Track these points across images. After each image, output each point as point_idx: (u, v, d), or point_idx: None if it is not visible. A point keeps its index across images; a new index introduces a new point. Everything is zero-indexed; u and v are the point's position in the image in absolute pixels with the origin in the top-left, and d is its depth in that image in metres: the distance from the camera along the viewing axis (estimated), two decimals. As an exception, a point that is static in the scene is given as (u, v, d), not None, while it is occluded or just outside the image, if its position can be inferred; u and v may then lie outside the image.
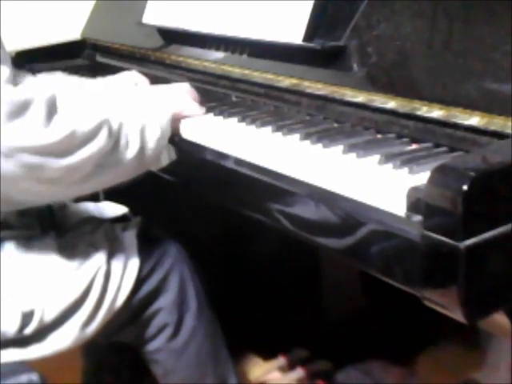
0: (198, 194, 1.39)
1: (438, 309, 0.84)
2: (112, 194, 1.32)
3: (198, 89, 1.36)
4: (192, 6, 1.55)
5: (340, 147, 1.08)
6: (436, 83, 1.08)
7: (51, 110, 1.04)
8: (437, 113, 1.06)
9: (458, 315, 0.82)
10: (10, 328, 1.14)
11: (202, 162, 1.22)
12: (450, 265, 0.80)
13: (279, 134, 1.18)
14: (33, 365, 1.17)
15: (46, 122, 1.03)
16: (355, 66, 1.20)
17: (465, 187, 0.78)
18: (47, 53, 1.83)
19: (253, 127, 1.23)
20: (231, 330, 1.39)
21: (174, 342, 1.32)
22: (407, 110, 1.10)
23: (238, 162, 1.13)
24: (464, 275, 0.80)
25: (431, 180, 0.82)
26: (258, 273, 1.84)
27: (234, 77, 1.43)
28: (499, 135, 0.97)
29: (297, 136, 1.16)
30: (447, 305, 0.83)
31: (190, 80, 1.54)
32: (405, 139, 1.10)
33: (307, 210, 1.02)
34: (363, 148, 1.06)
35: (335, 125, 1.22)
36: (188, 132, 1.26)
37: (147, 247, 1.29)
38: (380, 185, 0.94)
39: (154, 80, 1.47)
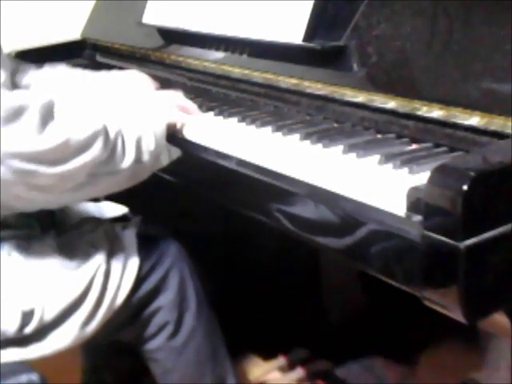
0: (198, 194, 1.39)
1: (438, 309, 0.84)
2: (112, 194, 1.32)
3: (197, 89, 1.36)
4: (192, 6, 1.55)
5: (340, 147, 1.08)
6: (436, 83, 1.08)
7: (46, 116, 1.04)
8: (437, 113, 1.06)
9: (458, 315, 0.82)
10: (10, 327, 1.14)
11: (202, 162, 1.22)
12: (450, 265, 0.80)
13: (279, 133, 1.18)
14: (33, 365, 1.17)
15: (40, 128, 1.02)
16: (355, 66, 1.20)
17: (465, 187, 0.78)
18: (47, 53, 1.83)
19: (253, 127, 1.23)
20: (231, 330, 1.39)
21: (174, 341, 1.32)
22: (407, 110, 1.10)
23: (238, 162, 1.13)
24: (464, 275, 0.80)
25: (431, 180, 0.82)
26: (257, 272, 1.84)
27: (234, 77, 1.43)
28: (499, 135, 0.97)
29: (297, 136, 1.16)
30: (447, 305, 0.83)
31: (190, 80, 1.54)
32: (405, 139, 1.11)
33: (307, 210, 1.02)
34: (363, 148, 1.06)
35: (335, 125, 1.22)
36: (188, 132, 1.26)
37: (147, 246, 1.29)
38: (380, 185, 0.94)
39: (154, 80, 1.47)
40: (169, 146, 1.22)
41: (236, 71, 1.43)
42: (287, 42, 1.30)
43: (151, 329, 1.31)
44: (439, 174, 0.82)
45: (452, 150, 1.04)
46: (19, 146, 1.01)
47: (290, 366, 1.71)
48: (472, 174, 0.79)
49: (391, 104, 1.13)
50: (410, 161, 1.00)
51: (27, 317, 1.15)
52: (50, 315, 1.17)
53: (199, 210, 1.77)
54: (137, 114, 1.20)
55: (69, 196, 1.12)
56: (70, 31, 1.96)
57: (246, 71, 1.40)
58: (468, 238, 0.79)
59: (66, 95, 1.38)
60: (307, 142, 1.13)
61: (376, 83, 1.17)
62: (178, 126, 1.25)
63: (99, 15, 1.94)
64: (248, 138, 1.19)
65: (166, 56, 1.64)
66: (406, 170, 0.98)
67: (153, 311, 1.30)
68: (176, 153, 1.23)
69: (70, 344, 1.20)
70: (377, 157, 1.03)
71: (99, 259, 1.22)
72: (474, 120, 1.01)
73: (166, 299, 1.30)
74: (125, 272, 1.24)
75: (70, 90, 1.40)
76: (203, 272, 1.36)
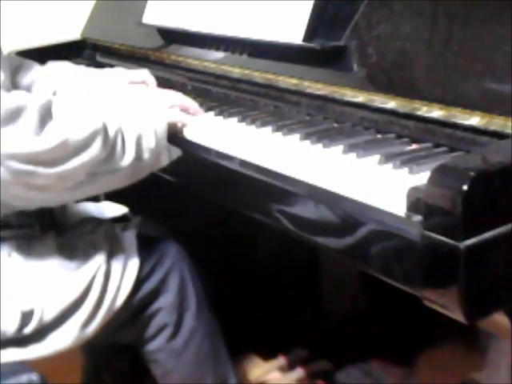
0: (197, 194, 1.39)
1: (438, 309, 0.84)
2: (112, 194, 1.31)
3: (197, 89, 1.36)
4: (192, 6, 1.55)
5: (340, 147, 1.08)
6: (436, 83, 1.08)
7: (45, 117, 1.03)
8: (437, 113, 1.06)
9: (458, 315, 0.82)
10: (10, 327, 1.14)
11: (202, 162, 1.22)
12: (450, 265, 0.80)
13: (279, 134, 1.18)
14: (33, 365, 1.17)
15: (39, 129, 1.02)
16: (355, 66, 1.20)
17: (465, 187, 0.78)
18: (47, 53, 1.83)
19: (253, 127, 1.23)
20: (231, 330, 1.39)
21: (174, 342, 1.32)
22: (407, 109, 1.10)
23: (239, 162, 1.13)
24: (464, 275, 0.80)
25: (431, 180, 0.82)
26: (257, 273, 1.84)
27: (234, 77, 1.43)
28: (499, 135, 0.97)
29: (297, 136, 1.16)
30: (447, 305, 0.82)
31: (190, 80, 1.54)
32: (405, 139, 1.10)
33: (307, 210, 1.02)
34: (363, 148, 1.06)
35: (335, 125, 1.22)
36: (188, 132, 1.26)
37: (147, 247, 1.29)
38: (380, 185, 0.94)
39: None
40: (169, 146, 1.21)
41: (236, 71, 1.43)
42: (287, 42, 1.30)
43: (151, 330, 1.31)
44: (439, 174, 0.82)
45: (452, 149, 1.04)
46: (17, 148, 1.00)
47: (290, 366, 1.71)
48: (472, 174, 0.79)
49: (391, 104, 1.13)
50: (410, 161, 1.00)
51: (27, 317, 1.15)
52: (49, 316, 1.17)
53: (199, 210, 1.77)
54: (138, 112, 1.20)
55: (68, 194, 1.12)
56: (70, 31, 1.96)
57: (246, 71, 1.40)
58: (468, 238, 0.79)
59: (69, 92, 1.38)
60: (307, 142, 1.13)
61: (376, 83, 1.17)
62: (179, 125, 1.25)
63: (99, 15, 1.94)
64: (248, 138, 1.19)
65: (165, 56, 1.64)
66: (405, 170, 0.98)
67: (153, 312, 1.30)
68: (176, 153, 1.23)
69: (70, 345, 1.20)
70: (377, 157, 1.03)
71: (99, 260, 1.22)
72: (474, 120, 1.01)
73: (166, 300, 1.30)
74: (125, 273, 1.24)
75: (73, 86, 1.40)
76: (203, 272, 1.36)
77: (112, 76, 1.43)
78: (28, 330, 1.15)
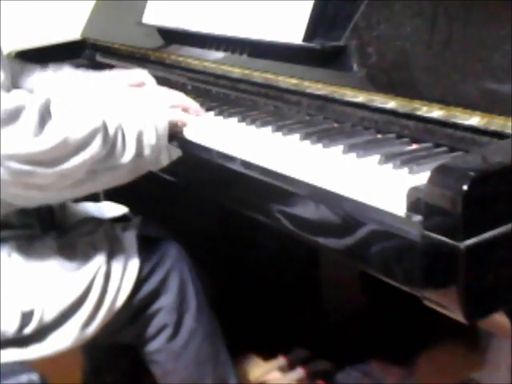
0: (197, 194, 1.39)
1: (438, 309, 0.84)
2: (112, 194, 1.32)
3: (197, 89, 1.36)
4: (192, 6, 1.55)
5: (340, 147, 1.08)
6: (436, 83, 1.08)
7: (44, 117, 1.03)
8: (437, 113, 1.06)
9: (458, 315, 0.82)
10: (10, 327, 1.14)
11: (202, 162, 1.22)
12: (450, 265, 0.80)
13: (279, 134, 1.18)
14: (33, 365, 1.17)
15: (38, 129, 1.02)
16: (355, 66, 1.20)
17: (465, 187, 0.78)
18: (47, 53, 1.83)
19: (253, 127, 1.23)
20: (231, 330, 1.39)
21: (174, 342, 1.32)
22: (407, 109, 1.10)
23: (239, 162, 1.13)
24: (464, 275, 0.80)
25: (431, 180, 0.82)
26: (257, 273, 1.84)
27: (234, 77, 1.43)
28: (499, 135, 0.97)
29: (297, 136, 1.16)
30: (447, 305, 0.82)
31: (190, 80, 1.54)
32: (405, 139, 1.11)
33: (307, 210, 1.02)
34: (363, 148, 1.06)
35: (335, 125, 1.22)
36: (188, 132, 1.26)
37: (147, 248, 1.29)
38: (380, 185, 0.94)
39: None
40: (169, 146, 1.21)
41: (236, 71, 1.43)
42: (287, 42, 1.30)
43: (151, 330, 1.31)
44: (439, 174, 0.82)
45: (452, 149, 1.04)
46: (17, 148, 1.00)
47: (290, 366, 1.71)
48: (472, 174, 0.79)
49: (391, 104, 1.13)
50: (410, 161, 1.00)
51: (27, 317, 1.15)
52: (49, 316, 1.17)
53: (199, 210, 1.77)
54: (138, 110, 1.20)
55: (68, 192, 1.12)
56: (70, 31, 1.96)
57: (246, 71, 1.40)
58: (468, 238, 0.79)
59: (70, 96, 1.38)
60: (307, 142, 1.13)
61: (376, 83, 1.17)
62: (179, 125, 1.25)
63: (99, 15, 1.94)
64: (248, 138, 1.19)
65: (165, 56, 1.64)
66: (405, 170, 0.98)
67: (153, 313, 1.30)
68: (176, 153, 1.23)
69: (70, 345, 1.20)
70: (377, 157, 1.03)
71: (99, 260, 1.22)
72: (474, 120, 1.01)
73: (166, 301, 1.30)
74: (125, 274, 1.24)
75: (74, 91, 1.40)
76: (203, 273, 1.36)
77: (112, 79, 1.43)
78: (28, 330, 1.16)
